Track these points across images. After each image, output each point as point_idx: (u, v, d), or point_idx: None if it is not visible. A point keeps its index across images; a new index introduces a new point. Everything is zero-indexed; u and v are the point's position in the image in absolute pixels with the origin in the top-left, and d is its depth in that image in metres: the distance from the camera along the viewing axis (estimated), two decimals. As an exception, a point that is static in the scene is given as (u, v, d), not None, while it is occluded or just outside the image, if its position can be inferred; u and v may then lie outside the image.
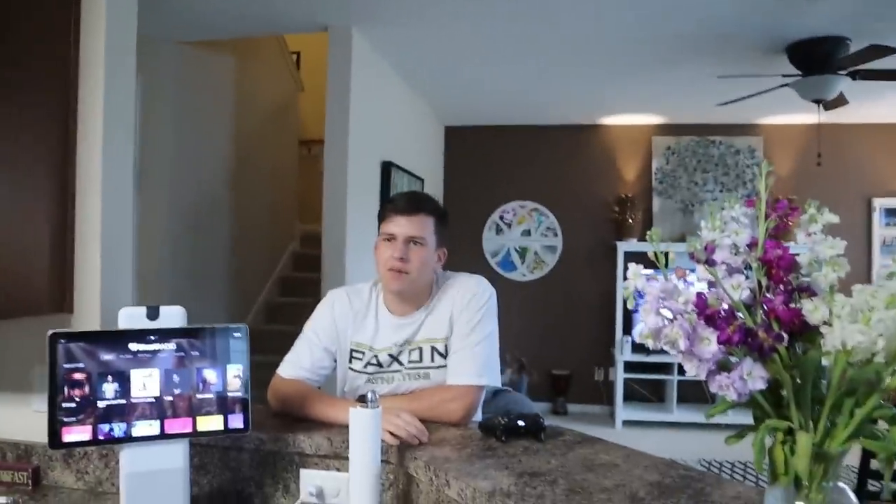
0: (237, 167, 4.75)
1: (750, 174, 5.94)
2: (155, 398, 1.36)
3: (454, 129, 6.40)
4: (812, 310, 0.84)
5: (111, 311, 1.74)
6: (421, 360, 1.71)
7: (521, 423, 1.45)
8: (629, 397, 5.86)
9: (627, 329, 5.72)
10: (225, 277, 4.68)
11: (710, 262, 0.81)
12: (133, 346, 1.35)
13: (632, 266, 0.84)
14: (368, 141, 3.92)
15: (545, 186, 6.24)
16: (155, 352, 1.36)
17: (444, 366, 1.69)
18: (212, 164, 4.50)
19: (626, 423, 5.65)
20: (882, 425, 0.83)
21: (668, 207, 6.01)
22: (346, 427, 1.37)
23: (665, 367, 5.63)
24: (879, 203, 5.82)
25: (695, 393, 5.75)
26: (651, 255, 0.86)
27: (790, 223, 0.88)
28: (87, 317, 1.72)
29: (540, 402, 5.94)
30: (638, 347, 5.59)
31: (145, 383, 1.35)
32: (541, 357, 6.06)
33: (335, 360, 1.77)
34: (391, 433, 1.42)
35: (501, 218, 6.30)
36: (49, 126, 1.66)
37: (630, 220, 5.85)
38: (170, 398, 1.37)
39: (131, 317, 1.39)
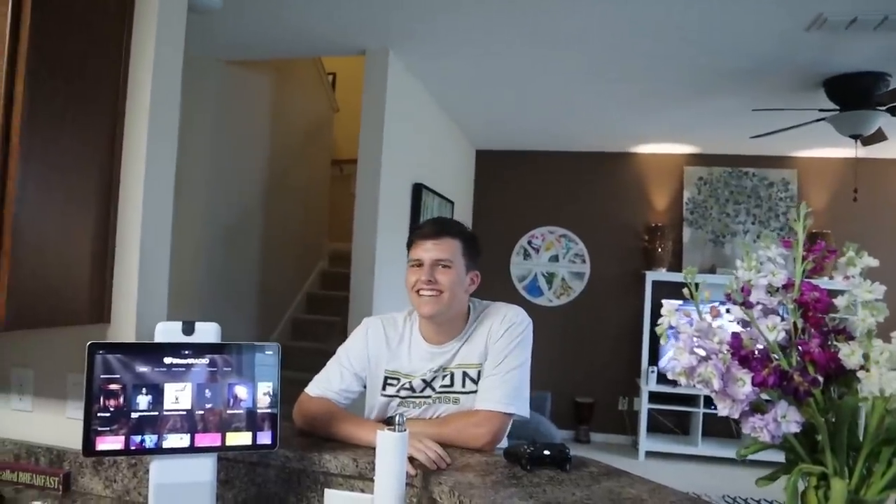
0: (271, 184, 4.83)
1: (783, 207, 5.87)
2: (186, 411, 1.38)
3: (485, 153, 6.44)
4: (849, 354, 0.84)
5: (147, 324, 1.78)
6: (452, 384, 1.71)
7: (546, 452, 1.45)
8: (653, 428, 5.78)
9: (653, 359, 5.65)
10: (254, 293, 4.74)
11: (746, 304, 0.81)
12: (168, 360, 1.38)
13: (666, 303, 0.85)
14: (400, 162, 3.97)
15: (574, 213, 6.23)
16: (189, 366, 1.39)
17: (475, 391, 1.69)
18: (247, 181, 4.58)
19: (650, 453, 5.56)
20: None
21: (699, 238, 5.96)
22: (372, 449, 1.38)
23: (691, 399, 5.54)
24: (917, 241, 5.70)
25: (721, 427, 5.65)
26: (686, 292, 0.86)
27: (826, 266, 0.88)
28: (123, 328, 1.76)
29: (563, 430, 5.88)
30: (663, 378, 5.52)
31: (178, 396, 1.38)
32: (565, 384, 6.01)
33: (364, 387, 1.78)
34: (410, 458, 1.42)
35: (530, 243, 6.29)
36: (97, 140, 1.72)
37: (659, 250, 5.80)
38: (201, 412, 1.39)
39: (167, 331, 1.42)
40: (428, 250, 1.70)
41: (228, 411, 1.40)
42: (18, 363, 1.80)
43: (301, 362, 3.07)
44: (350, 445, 1.58)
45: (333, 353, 1.83)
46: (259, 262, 4.78)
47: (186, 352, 1.39)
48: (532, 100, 4.56)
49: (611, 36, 3.29)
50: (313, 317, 5.50)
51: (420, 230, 1.76)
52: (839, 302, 0.90)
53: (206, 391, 1.39)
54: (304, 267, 5.72)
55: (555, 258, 6.24)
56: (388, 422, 1.36)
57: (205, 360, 1.40)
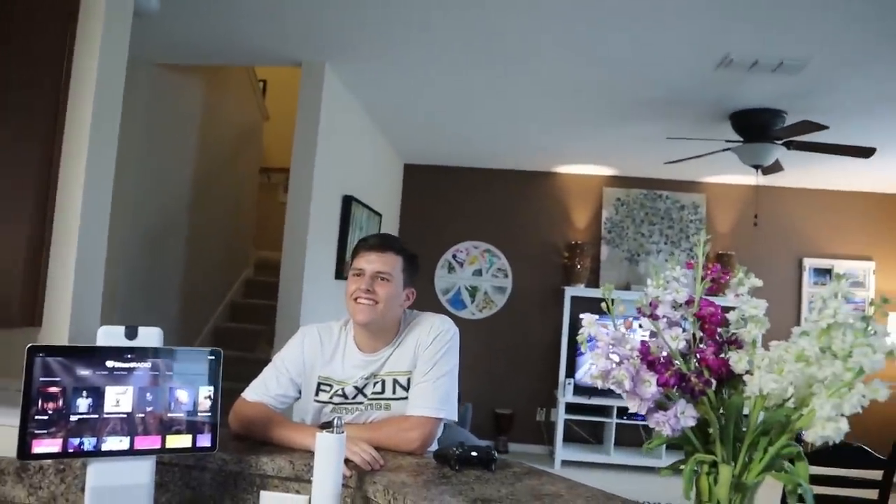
0: (198, 190, 4.77)
1: (693, 228, 6.25)
2: (127, 414, 1.41)
3: (413, 167, 6.56)
4: (737, 360, 0.99)
5: (80, 328, 1.78)
6: (383, 391, 1.80)
7: (474, 453, 1.56)
8: (569, 438, 6.01)
9: (570, 371, 5.88)
10: (177, 300, 4.66)
11: (653, 317, 0.95)
12: (110, 364, 1.41)
13: (587, 315, 0.97)
14: (332, 174, 4.02)
15: (498, 228, 6.43)
16: (131, 370, 1.42)
17: (405, 398, 1.78)
18: (173, 186, 4.51)
19: (566, 462, 5.78)
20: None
21: (615, 256, 6.26)
22: (308, 451, 1.44)
23: (604, 410, 5.80)
24: (809, 263, 6.19)
25: (631, 436, 5.94)
26: (604, 306, 0.99)
27: (721, 285, 1.02)
28: (54, 332, 1.76)
29: (482, 441, 6.01)
30: (580, 390, 5.77)
31: (119, 400, 1.40)
32: (485, 396, 6.16)
33: (299, 392, 1.85)
34: (346, 460, 1.50)
35: (454, 257, 6.44)
36: (34, 145, 1.72)
37: (578, 266, 6.06)
38: (141, 415, 1.42)
39: (109, 335, 1.44)
40: (371, 262, 1.80)
41: (169, 414, 1.44)
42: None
43: (226, 371, 3.06)
44: (286, 449, 1.64)
45: (258, 361, 1.89)
46: (182, 269, 4.70)
47: (129, 356, 1.42)
48: (461, 117, 4.71)
49: (539, 61, 3.47)
50: (237, 325, 5.44)
51: (366, 241, 1.86)
52: (731, 316, 1.05)
53: (148, 394, 1.42)
54: (228, 274, 5.65)
55: (478, 272, 6.41)
56: (325, 426, 1.43)
57: (147, 364, 1.43)
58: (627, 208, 6.31)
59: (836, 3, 2.59)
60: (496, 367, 6.30)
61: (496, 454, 1.57)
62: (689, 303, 1.04)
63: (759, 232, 6.13)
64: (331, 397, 1.81)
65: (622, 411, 5.70)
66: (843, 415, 0.88)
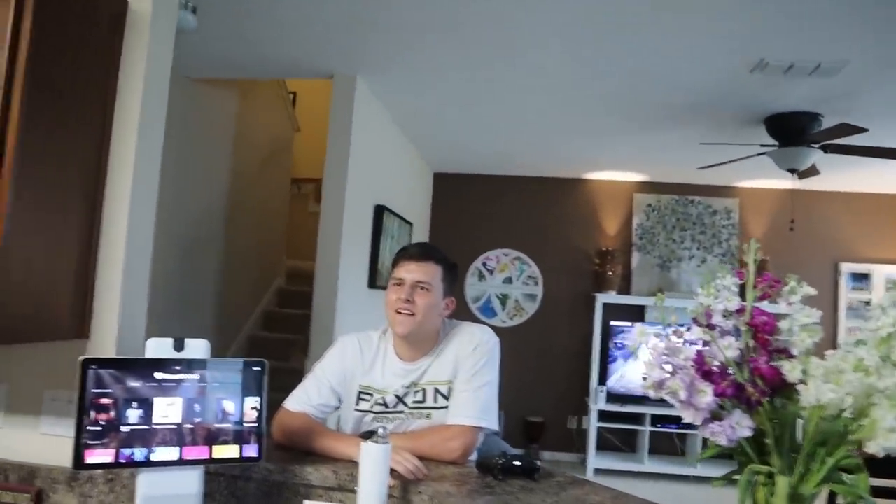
0: (231, 202, 4.85)
1: (726, 234, 6.17)
2: (176, 425, 1.43)
3: (443, 176, 6.58)
4: (790, 369, 0.97)
5: (127, 340, 1.82)
6: (424, 400, 1.80)
7: (517, 462, 1.55)
8: (601, 446, 5.95)
9: (602, 378, 5.83)
10: (212, 310, 4.73)
11: (710, 326, 0.94)
12: (159, 375, 1.43)
13: (638, 325, 0.97)
14: (363, 185, 4.06)
15: (528, 236, 6.42)
16: (179, 381, 1.45)
17: (446, 407, 1.79)
18: (207, 198, 4.59)
19: (598, 471, 5.72)
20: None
21: (647, 262, 6.20)
22: (351, 461, 1.45)
23: (638, 418, 5.74)
24: (846, 268, 6.07)
25: (665, 444, 5.87)
26: (655, 316, 0.98)
27: (772, 293, 1.01)
28: (102, 344, 1.79)
29: (514, 449, 5.99)
30: (612, 397, 5.71)
31: (168, 411, 1.43)
32: (516, 403, 6.14)
33: (340, 401, 1.86)
34: (390, 470, 1.51)
35: (484, 265, 6.44)
36: (84, 156, 1.76)
37: (609, 273, 6.02)
38: (190, 426, 1.44)
39: (158, 347, 1.48)
40: (411, 271, 1.81)
41: (216, 425, 1.46)
42: (-2, 377, 1.81)
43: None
44: (330, 458, 1.66)
45: (292, 371, 1.91)
46: (217, 279, 4.77)
47: (177, 367, 1.45)
48: (490, 126, 4.72)
49: (569, 71, 3.47)
50: (270, 334, 5.50)
51: (406, 251, 1.88)
52: (782, 325, 1.03)
53: (196, 405, 1.45)
54: (261, 284, 5.72)
55: (508, 280, 6.39)
56: (365, 436, 1.44)
57: (195, 376, 1.46)
58: (659, 214, 6.25)
59: (872, 5, 2.55)
60: (527, 375, 6.27)
61: (539, 464, 1.57)
62: (739, 312, 1.03)
63: (794, 236, 6.02)
64: (371, 406, 1.82)
65: (656, 419, 5.63)
66: (905, 426, 0.86)
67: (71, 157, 1.71)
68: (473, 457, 1.79)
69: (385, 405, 1.81)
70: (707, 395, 0.90)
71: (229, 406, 1.48)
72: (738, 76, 3.35)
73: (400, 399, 1.81)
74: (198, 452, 1.45)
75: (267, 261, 5.76)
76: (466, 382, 1.76)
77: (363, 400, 1.83)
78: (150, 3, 1.84)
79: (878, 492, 2.62)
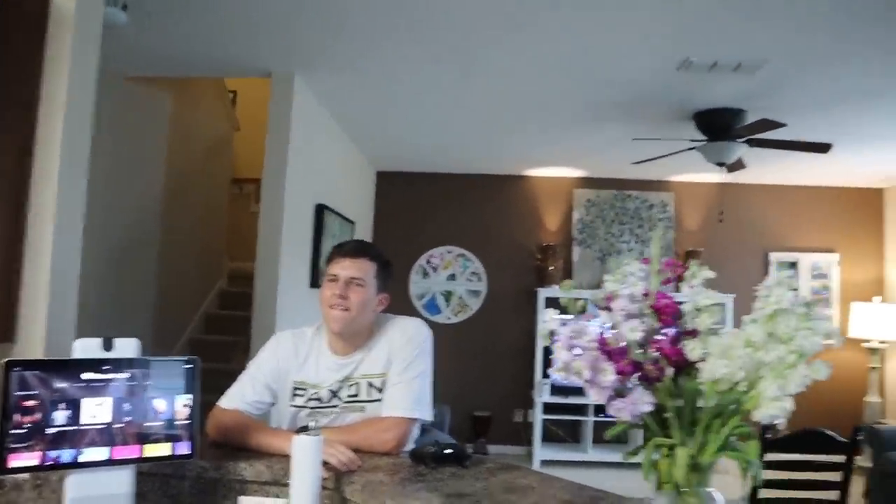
0: (169, 202, 4.76)
1: (662, 227, 6.36)
2: (105, 425, 1.42)
3: (385, 174, 6.60)
4: (692, 349, 1.04)
5: (56, 342, 1.79)
6: (358, 394, 1.83)
7: (448, 451, 1.60)
8: (547, 438, 6.07)
9: (546, 372, 5.95)
10: (150, 313, 4.64)
11: (608, 309, 1.00)
12: (86, 376, 1.42)
13: (548, 311, 1.02)
14: (304, 184, 4.04)
15: (471, 233, 6.49)
16: (108, 381, 1.44)
17: (380, 400, 1.82)
18: (143, 198, 4.50)
19: (545, 462, 5.84)
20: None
21: (587, 256, 6.35)
22: (285, 456, 1.47)
23: (581, 409, 5.88)
24: (775, 256, 6.35)
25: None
26: (562, 301, 1.04)
27: (677, 278, 1.08)
28: (30, 347, 1.77)
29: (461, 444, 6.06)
30: (556, 390, 5.84)
31: (96, 411, 1.42)
32: (462, 398, 6.20)
33: (275, 398, 1.88)
34: (324, 463, 1.53)
35: (428, 262, 6.48)
36: (6, 161, 1.73)
37: (551, 268, 6.14)
38: (119, 426, 1.44)
39: (86, 347, 1.46)
40: (345, 268, 1.84)
41: (147, 423, 1.46)
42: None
43: (203, 383, 3.07)
44: (264, 454, 1.67)
45: (234, 373, 1.92)
46: (154, 281, 4.68)
47: (106, 367, 1.44)
48: (430, 124, 4.76)
49: (504, 69, 3.54)
50: (212, 337, 5.42)
51: (341, 248, 1.91)
52: (686, 307, 1.10)
53: (125, 405, 1.45)
54: (202, 286, 5.63)
55: (452, 277, 6.46)
56: (300, 431, 1.46)
57: (124, 375, 1.45)
58: (598, 209, 6.41)
59: (790, 6, 2.69)
60: (473, 370, 6.35)
61: (470, 451, 1.62)
62: (646, 296, 1.09)
63: (726, 228, 6.28)
64: (306, 401, 1.84)
65: (598, 409, 5.78)
66: (787, 394, 0.94)
67: (-9, 161, 1.68)
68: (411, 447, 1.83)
69: (320, 400, 1.83)
70: (609, 374, 0.96)
71: (160, 405, 1.48)
72: (665, 74, 3.47)
73: (334, 393, 1.84)
74: (128, 452, 1.44)
75: (208, 263, 5.68)
76: (399, 375, 1.80)
77: (298, 395, 1.85)
78: (73, 0, 1.82)
79: (784, 465, 2.77)
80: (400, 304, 6.26)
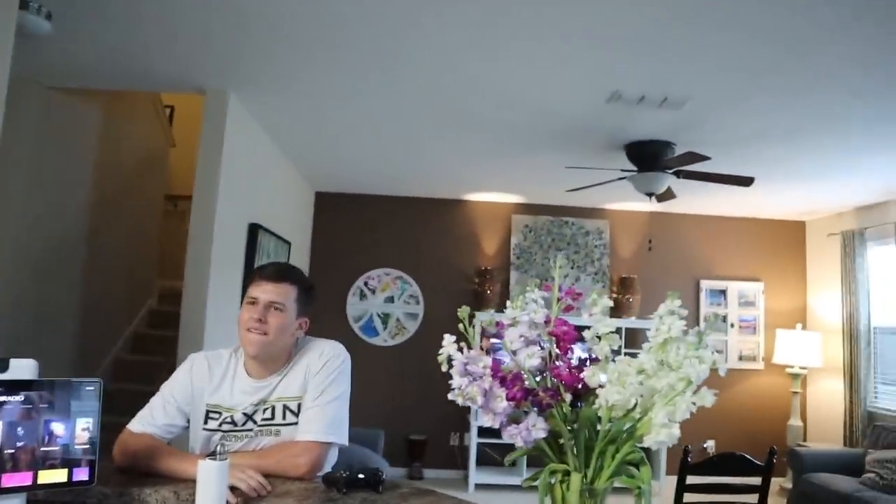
0: (95, 218, 4.61)
1: (597, 253, 6.50)
2: (-6, 451, 1.36)
3: (324, 195, 6.56)
4: (590, 375, 1.06)
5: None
6: (273, 417, 1.80)
7: (361, 476, 1.58)
8: (483, 462, 6.06)
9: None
10: (72, 332, 4.46)
11: (498, 336, 1.01)
12: (-24, 398, 1.36)
13: (446, 336, 1.02)
14: (237, 202, 3.98)
15: (410, 256, 6.50)
16: (0, 404, 1.37)
17: (296, 423, 1.79)
18: (67, 213, 4.34)
19: (479, 486, 5.83)
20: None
21: (524, 281, 6.42)
22: (194, 481, 1.43)
23: (516, 433, 5.88)
24: (706, 284, 6.56)
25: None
26: (461, 327, 1.05)
27: (574, 306, 1.10)
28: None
29: (397, 468, 6.01)
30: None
31: (-15, 435, 1.35)
32: (398, 422, 6.16)
33: (188, 421, 1.83)
34: (232, 488, 1.49)
35: (366, 284, 6.45)
36: None
37: (488, 292, 6.19)
38: (11, 451, 1.37)
39: (-22, 369, 1.40)
40: (266, 291, 1.81)
41: (42, 448, 1.40)
42: None
43: (125, 405, 2.95)
44: (172, 479, 1.62)
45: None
46: (78, 299, 4.51)
47: (-2, 389, 1.37)
48: (367, 146, 4.76)
49: (440, 95, 3.58)
50: (139, 357, 5.24)
51: (262, 270, 1.88)
52: (587, 334, 1.13)
53: (18, 429, 1.38)
54: (130, 305, 5.46)
55: (390, 299, 6.43)
56: (210, 456, 1.43)
57: (18, 398, 1.39)
58: (535, 234, 6.50)
59: (710, 46, 2.81)
60: (409, 394, 6.32)
61: (384, 476, 1.60)
62: (547, 322, 1.11)
63: (659, 256, 6.46)
64: (220, 425, 1.79)
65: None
66: (675, 421, 0.97)
67: None
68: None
69: (234, 423, 1.79)
70: (501, 400, 0.97)
71: (58, 428, 1.42)
72: (596, 105, 3.58)
73: (249, 417, 1.80)
74: (19, 479, 1.37)
75: (137, 281, 5.50)
76: (315, 398, 1.78)
77: (211, 419, 1.80)
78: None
79: (702, 488, 2.85)
80: (337, 326, 6.21)
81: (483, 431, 5.85)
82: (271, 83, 3.57)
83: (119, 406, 3.10)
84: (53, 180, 4.09)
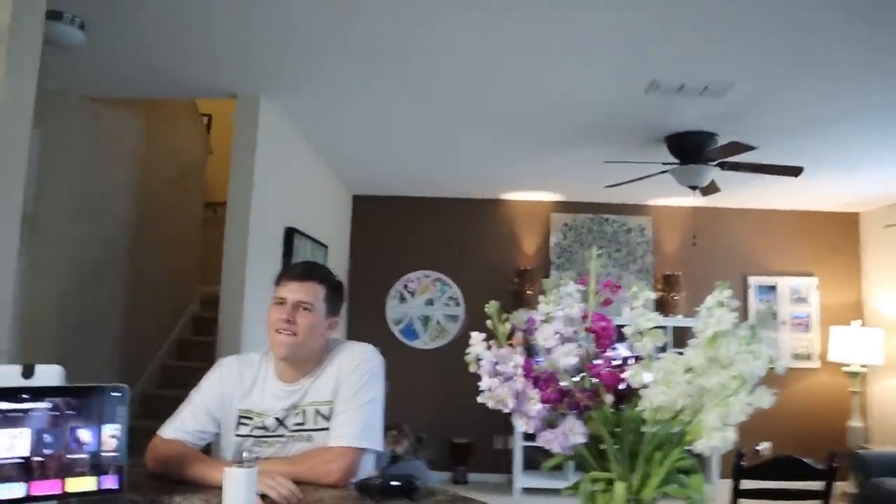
0: (139, 226, 4.68)
1: (640, 251, 6.34)
2: (23, 459, 1.33)
3: (361, 198, 6.54)
4: (633, 374, 0.98)
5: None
6: (305, 422, 1.75)
7: (395, 483, 1.52)
8: (529, 466, 5.92)
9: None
10: (118, 338, 4.53)
11: (528, 332, 0.94)
12: (2, 405, 1.33)
13: (473, 335, 0.95)
14: (272, 206, 3.97)
15: (449, 257, 6.43)
16: (26, 411, 1.35)
17: (328, 428, 1.73)
18: (112, 222, 4.41)
19: (526, 490, 5.72)
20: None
21: (566, 280, 6.29)
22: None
23: (561, 436, 5.75)
24: (754, 280, 6.33)
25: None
26: (489, 324, 0.97)
27: (612, 299, 1.02)
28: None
29: (441, 472, 5.95)
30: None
31: (12, 443, 1.33)
32: (442, 426, 6.09)
33: (219, 427, 1.79)
34: (262, 495, 1.45)
35: (405, 287, 6.41)
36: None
37: (529, 292, 6.08)
38: (39, 459, 1.35)
39: (5, 375, 1.38)
40: (293, 291, 1.76)
41: (70, 456, 1.37)
42: None
43: (169, 410, 2.97)
44: (202, 486, 1.58)
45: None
46: (124, 307, 4.57)
47: (24, 396, 1.35)
48: (404, 147, 4.72)
49: (474, 94, 3.51)
50: (183, 363, 5.30)
51: (289, 270, 1.84)
52: (627, 330, 1.04)
53: (46, 436, 1.36)
54: (174, 312, 5.52)
55: (430, 302, 6.38)
56: (240, 463, 1.38)
57: (45, 405, 1.36)
58: (575, 233, 6.37)
59: (752, 31, 2.68)
60: (452, 396, 6.22)
61: (418, 483, 1.54)
62: (585, 318, 1.03)
63: (705, 252, 6.26)
64: (251, 430, 1.75)
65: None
66: (729, 424, 0.88)
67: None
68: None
69: (265, 428, 1.75)
70: (536, 402, 0.89)
71: (85, 435, 1.39)
72: (634, 96, 3.46)
73: (280, 422, 1.75)
74: (48, 487, 1.35)
75: (180, 287, 5.57)
76: (347, 402, 1.72)
77: (243, 424, 1.76)
78: (8, 17, 1.76)
79: (758, 494, 2.71)
80: (377, 330, 6.18)
81: (529, 434, 5.70)
82: (304, 86, 3.55)
83: (165, 412, 3.12)
84: (97, 190, 4.15)
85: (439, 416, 6.14)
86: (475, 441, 6.16)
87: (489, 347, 0.94)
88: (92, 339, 4.17)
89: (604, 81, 3.30)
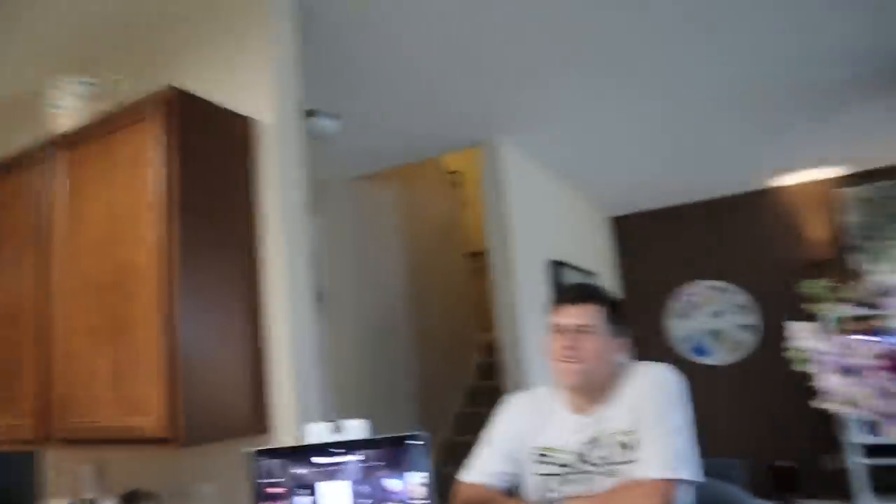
0: (412, 284, 5.02)
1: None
2: (345, 510, 1.41)
3: (620, 219, 6.33)
4: None
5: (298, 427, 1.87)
6: (607, 455, 1.61)
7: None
8: (881, 489, 4.95)
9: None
10: (414, 390, 4.84)
11: (879, 306, 0.72)
12: (317, 459, 1.43)
13: (791, 324, 0.76)
14: (532, 244, 3.99)
15: (725, 263, 5.87)
16: (340, 464, 1.43)
17: (633, 461, 1.57)
18: (388, 284, 4.79)
19: (876, 518, 4.83)
20: None
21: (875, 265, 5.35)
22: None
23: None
24: None
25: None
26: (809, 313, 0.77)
27: None
28: (282, 436, 1.87)
29: (764, 500, 5.30)
30: (872, 426, 4.84)
31: (335, 494, 1.42)
32: (756, 447, 5.46)
33: (517, 466, 1.73)
34: None
35: (686, 301, 5.97)
36: (236, 260, 1.92)
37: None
38: (359, 509, 1.41)
39: (317, 432, 1.48)
40: (570, 315, 1.67)
41: (385, 505, 1.42)
42: (200, 479, 1.95)
43: (469, 456, 3.06)
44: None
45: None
46: (413, 361, 4.90)
47: (335, 450, 1.43)
48: (652, 152, 4.47)
49: (719, 62, 3.18)
50: (477, 409, 5.47)
51: (563, 295, 1.75)
52: None
53: (361, 487, 1.42)
54: (460, 361, 5.78)
55: (717, 313, 5.84)
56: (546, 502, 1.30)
57: (356, 457, 1.43)
58: (876, 206, 5.40)
59: None
60: (761, 414, 5.59)
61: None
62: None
63: None
64: (551, 468, 1.66)
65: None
66: None
67: (226, 264, 1.86)
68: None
69: (566, 465, 1.64)
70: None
71: (395, 484, 1.43)
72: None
73: (581, 456, 1.63)
74: (369, 534, 1.41)
75: (460, 337, 5.82)
76: (652, 429, 1.54)
77: (542, 463, 1.68)
78: (275, 118, 1.99)
79: None
80: (662, 351, 5.82)
81: (870, 449, 4.82)
82: (536, 123, 3.60)
83: (465, 459, 3.21)
84: (373, 259, 4.55)
85: (750, 438, 5.52)
86: (800, 463, 5.41)
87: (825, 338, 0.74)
88: (391, 393, 4.51)
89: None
